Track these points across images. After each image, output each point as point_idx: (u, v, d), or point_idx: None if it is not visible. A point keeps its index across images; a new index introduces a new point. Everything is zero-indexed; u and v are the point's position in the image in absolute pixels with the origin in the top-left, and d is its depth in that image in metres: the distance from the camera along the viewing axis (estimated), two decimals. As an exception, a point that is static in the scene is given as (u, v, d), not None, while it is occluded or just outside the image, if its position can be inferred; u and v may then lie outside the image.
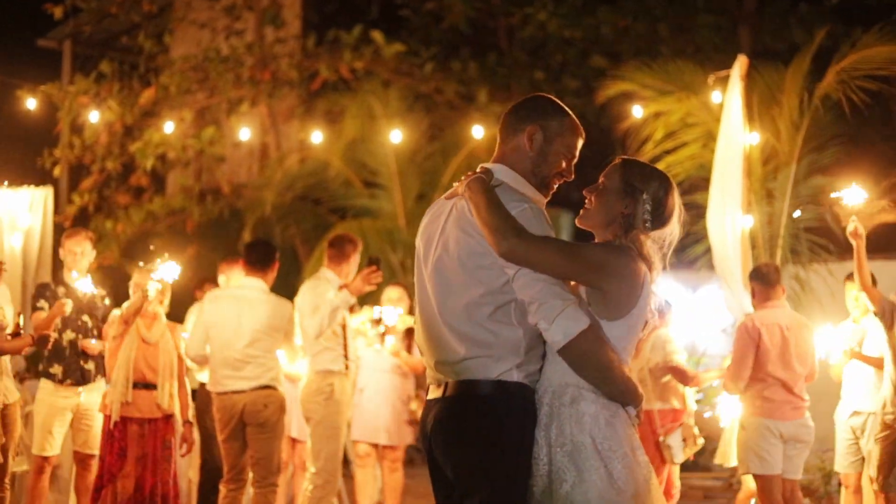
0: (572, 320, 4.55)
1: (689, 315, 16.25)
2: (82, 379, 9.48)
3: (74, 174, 19.93)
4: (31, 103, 16.52)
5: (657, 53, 15.61)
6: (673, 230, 4.91)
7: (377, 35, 18.90)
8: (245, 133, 17.54)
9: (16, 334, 8.47)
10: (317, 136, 16.67)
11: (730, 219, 10.68)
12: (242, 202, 18.94)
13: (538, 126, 4.93)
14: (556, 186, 4.92)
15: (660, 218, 4.81)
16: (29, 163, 18.63)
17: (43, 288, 9.68)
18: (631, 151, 15.53)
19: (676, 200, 4.87)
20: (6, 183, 11.77)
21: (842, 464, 10.11)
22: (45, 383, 9.58)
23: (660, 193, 4.84)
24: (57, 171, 18.93)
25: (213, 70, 18.65)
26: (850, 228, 8.95)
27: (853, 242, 9.00)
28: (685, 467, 12.35)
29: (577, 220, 4.94)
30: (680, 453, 9.78)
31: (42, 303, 9.48)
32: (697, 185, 12.85)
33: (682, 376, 9.83)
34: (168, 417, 9.12)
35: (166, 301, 9.28)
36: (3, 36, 20.82)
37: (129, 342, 9.04)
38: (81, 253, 9.63)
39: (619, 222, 4.87)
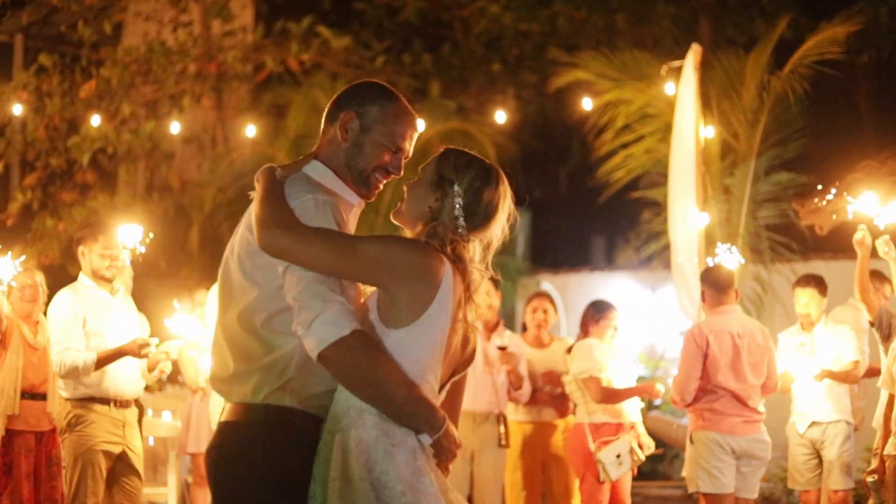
0: (330, 325, 3.93)
1: (647, 316, 15.96)
2: None
3: (18, 171, 19.56)
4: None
5: (615, 46, 15.30)
6: (495, 231, 4.30)
7: (323, 29, 18.48)
8: (190, 128, 17.20)
9: None
10: (259, 131, 16.32)
11: (684, 216, 10.32)
12: (187, 199, 18.55)
13: (354, 113, 4.36)
14: (381, 184, 4.38)
15: (475, 215, 4.20)
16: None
17: None
18: (587, 146, 15.23)
19: (501, 196, 4.24)
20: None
21: (800, 481, 9.76)
22: None
23: (475, 185, 4.20)
24: (-1, 168, 18.49)
25: (156, 63, 18.25)
26: (857, 237, 8.59)
27: (858, 251, 8.66)
28: (642, 476, 12.01)
29: (391, 216, 4.38)
30: (614, 470, 9.22)
31: None
32: (655, 180, 12.56)
33: (595, 392, 9.33)
34: (54, 430, 8.64)
35: (41, 301, 8.83)
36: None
37: (15, 348, 8.54)
38: None
39: (426, 218, 4.25)
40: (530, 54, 20.42)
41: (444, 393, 4.26)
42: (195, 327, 8.80)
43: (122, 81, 18.13)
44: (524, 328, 10.51)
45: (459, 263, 4.14)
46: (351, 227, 4.31)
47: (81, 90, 18.05)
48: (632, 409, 9.47)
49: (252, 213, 4.15)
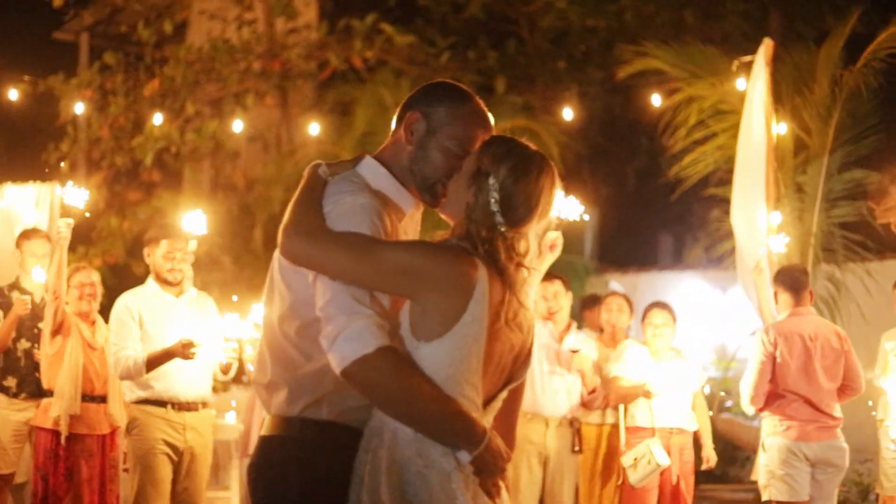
0: (353, 341, 3.65)
1: (717, 317, 15.77)
2: (38, 392, 8.91)
3: (83, 170, 19.65)
4: (25, 96, 16.10)
5: (684, 42, 15.12)
6: (541, 225, 3.98)
7: (387, 26, 18.42)
8: (255, 126, 17.19)
9: None
10: (324, 129, 16.25)
11: (753, 214, 10.12)
12: (252, 198, 18.56)
13: (420, 113, 4.06)
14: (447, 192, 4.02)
15: (513, 210, 3.83)
16: (38, 158, 18.38)
17: None
18: (656, 143, 15.05)
19: (544, 188, 3.89)
20: (9, 182, 11.43)
21: (886, 486, 9.54)
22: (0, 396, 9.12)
23: (512, 177, 3.84)
24: (63, 167, 18.57)
25: (219, 61, 18.28)
26: None
27: None
28: (713, 479, 11.83)
29: (438, 209, 4.07)
30: (631, 474, 9.13)
31: None
32: (725, 177, 12.35)
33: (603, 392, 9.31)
34: (114, 432, 8.57)
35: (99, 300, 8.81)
36: (19, 28, 20.56)
37: (74, 348, 8.50)
38: (42, 256, 9.12)
39: (463, 215, 3.90)
40: (597, 51, 20.26)
41: (498, 402, 3.96)
42: (249, 327, 8.69)
43: (186, 80, 18.18)
44: (601, 330, 10.39)
45: (497, 264, 3.80)
46: (408, 234, 4.09)
47: (145, 89, 18.12)
48: (668, 414, 9.34)
49: None
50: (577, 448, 9.46)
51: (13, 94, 12.93)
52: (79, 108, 17.09)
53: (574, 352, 9.34)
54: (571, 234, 9.19)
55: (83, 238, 17.24)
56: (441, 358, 3.71)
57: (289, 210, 3.88)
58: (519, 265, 3.87)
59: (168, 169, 19.34)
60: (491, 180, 3.84)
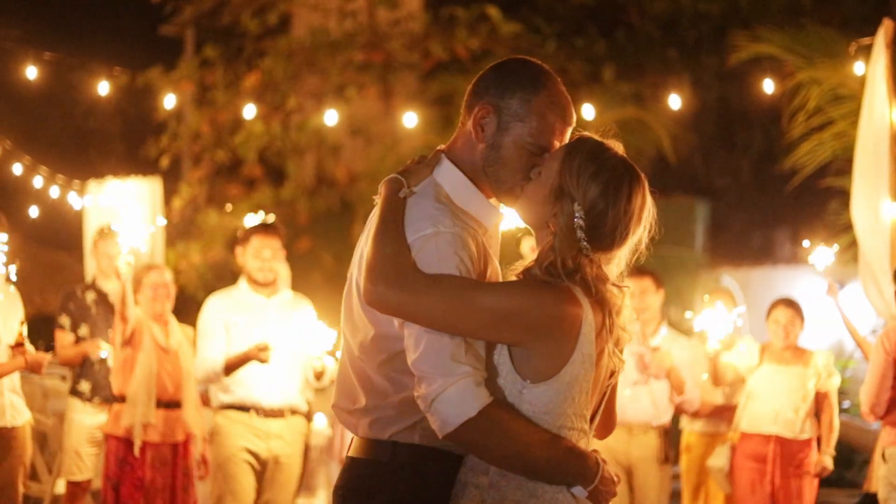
0: (454, 405, 3.44)
1: (835, 314, 15.41)
2: (112, 396, 8.83)
3: (187, 166, 19.79)
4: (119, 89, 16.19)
5: (799, 26, 14.80)
6: (624, 252, 3.69)
7: (493, 11, 18.22)
8: (357, 119, 17.14)
9: (18, 345, 7.38)
10: (428, 121, 16.14)
11: (875, 207, 9.79)
12: (354, 193, 18.52)
13: (490, 106, 3.70)
14: None
15: (600, 238, 3.57)
16: (137, 153, 18.54)
17: (67, 298, 9.17)
18: (771, 132, 14.74)
19: (635, 211, 3.60)
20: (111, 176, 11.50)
21: None
22: (73, 402, 9.07)
23: (599, 205, 3.54)
24: (164, 162, 18.70)
25: (320, 53, 18.26)
26: None
27: None
28: (828, 483, 11.51)
29: (507, 202, 3.79)
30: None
31: (64, 318, 8.99)
32: (844, 167, 12.03)
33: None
34: (188, 440, 8.43)
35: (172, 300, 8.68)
36: (120, 23, 20.77)
37: (146, 352, 8.36)
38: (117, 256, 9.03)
39: (547, 232, 3.62)
40: (709, 37, 19.96)
41: (599, 414, 3.83)
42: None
43: (287, 73, 18.19)
44: None
45: (595, 292, 3.59)
46: (493, 248, 3.80)
47: (245, 82, 18.16)
48: (768, 420, 9.04)
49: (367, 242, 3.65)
50: (665, 458, 9.06)
51: (111, 89, 12.97)
52: (179, 102, 17.17)
53: (655, 350, 8.96)
54: (681, 226, 8.99)
55: (183, 233, 17.34)
56: (550, 398, 3.57)
57: (370, 244, 3.59)
58: (614, 286, 3.68)
59: (269, 164, 19.38)
60: (576, 206, 3.57)
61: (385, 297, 3.50)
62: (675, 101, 13.45)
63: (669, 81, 19.94)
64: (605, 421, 3.94)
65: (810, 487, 9.12)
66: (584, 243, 3.56)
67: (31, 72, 11.60)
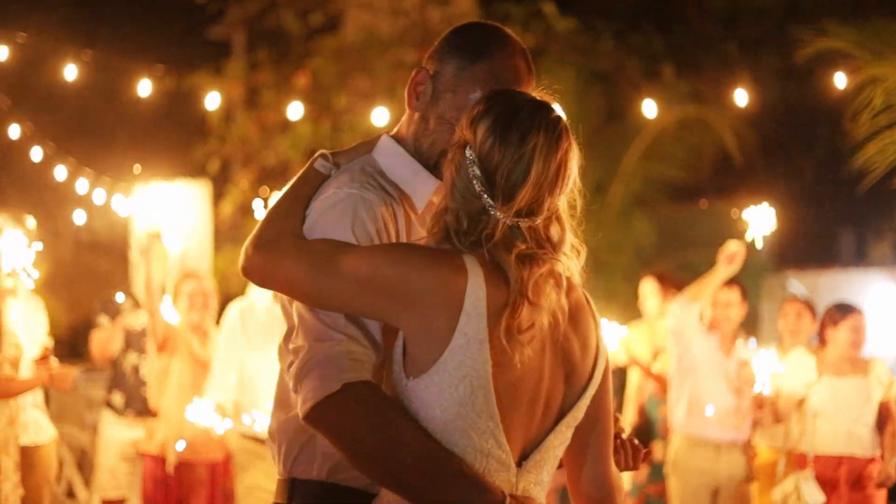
0: (317, 378, 2.86)
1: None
2: (146, 409, 8.61)
3: (233, 168, 19.75)
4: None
5: (867, 19, 14.57)
6: (553, 199, 3.04)
7: (548, 8, 18.01)
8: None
9: (43, 358, 7.16)
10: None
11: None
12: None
13: (427, 72, 3.29)
14: None
15: (494, 184, 2.98)
16: (182, 156, 18.50)
17: (106, 302, 9.04)
18: (836, 132, 14.47)
19: (533, 150, 2.99)
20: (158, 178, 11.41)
21: None
22: (106, 415, 8.89)
23: (487, 144, 3.00)
24: (214, 166, 18.65)
25: (370, 53, 18.15)
26: None
27: None
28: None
29: None
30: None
31: (102, 318, 8.82)
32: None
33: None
34: (228, 459, 8.11)
35: (212, 307, 8.46)
36: (172, 26, 20.79)
37: (181, 365, 8.12)
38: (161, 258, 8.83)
39: (443, 201, 3.08)
40: (770, 33, 19.68)
41: (548, 452, 3.08)
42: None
43: (336, 73, 18.10)
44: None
45: (496, 260, 2.97)
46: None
47: (293, 83, 18.07)
48: (835, 439, 8.69)
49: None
50: (750, 476, 8.79)
51: (158, 91, 12.90)
52: (227, 104, 17.11)
53: (742, 364, 8.75)
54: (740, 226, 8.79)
55: (231, 238, 17.24)
56: (433, 397, 2.89)
57: (267, 212, 3.23)
58: (530, 257, 2.98)
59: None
60: (468, 151, 3.03)
61: (250, 261, 3.11)
62: (739, 98, 13.20)
63: (729, 80, 19.75)
64: (593, 490, 3.23)
65: (880, 499, 8.81)
66: (486, 198, 2.99)
67: (73, 72, 11.51)
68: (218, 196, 18.91)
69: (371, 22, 19.13)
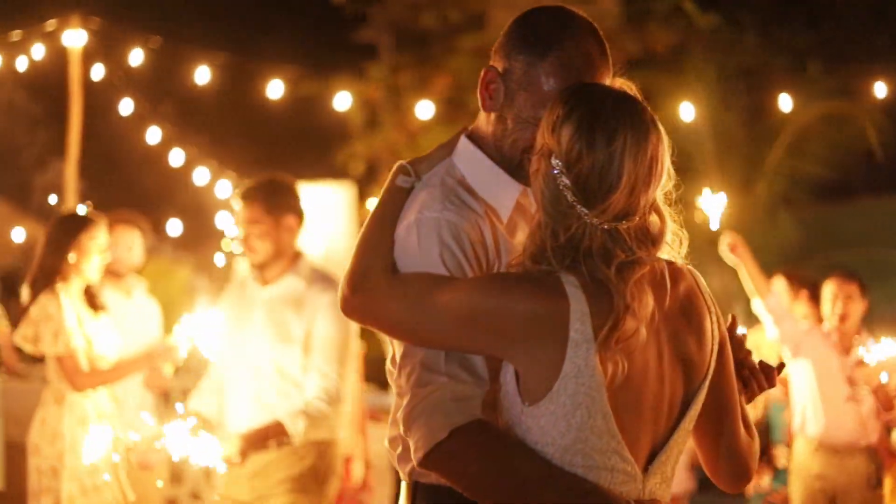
0: (424, 426, 2.81)
1: None
2: None
3: (378, 170, 19.90)
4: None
5: None
6: (647, 195, 2.86)
7: (688, 4, 17.85)
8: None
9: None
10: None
11: None
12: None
13: (496, 69, 3.06)
14: None
15: (587, 189, 2.82)
16: (331, 160, 18.69)
17: None
18: None
19: (622, 150, 2.82)
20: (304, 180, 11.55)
21: None
22: None
23: (574, 149, 2.82)
24: (358, 168, 18.81)
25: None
26: None
27: None
28: None
29: None
30: None
31: None
32: None
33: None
34: (346, 463, 8.16)
35: None
36: (318, 30, 21.01)
37: None
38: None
39: (536, 216, 2.91)
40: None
41: (672, 449, 2.98)
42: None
43: (476, 73, 18.11)
44: None
45: (596, 276, 2.81)
46: (517, 236, 3.12)
47: (433, 85, 18.13)
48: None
49: None
50: (875, 482, 8.48)
51: (300, 93, 13.04)
52: (371, 107, 17.27)
53: (860, 364, 8.42)
54: (893, 227, 8.58)
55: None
56: (550, 424, 2.81)
57: (358, 241, 3.09)
58: (629, 265, 2.84)
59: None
60: (553, 160, 2.85)
61: (348, 302, 3.02)
62: (878, 91, 12.90)
63: (879, 74, 19.34)
64: (729, 464, 3.13)
65: None
66: (580, 207, 2.82)
67: (207, 75, 11.69)
68: (362, 198, 19.08)
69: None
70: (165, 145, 12.99)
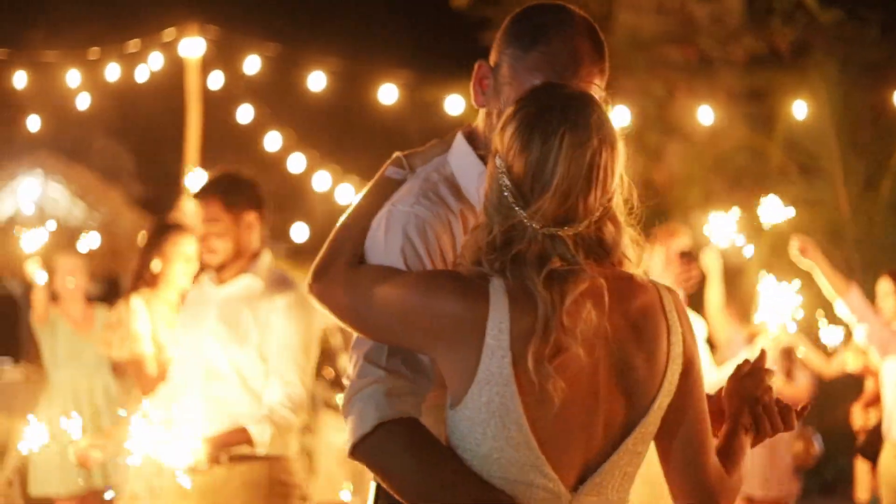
0: (356, 418, 2.81)
1: None
2: None
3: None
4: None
5: None
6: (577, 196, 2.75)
7: (810, 0, 17.60)
8: (673, 119, 16.86)
9: None
10: (748, 119, 15.73)
11: None
12: (672, 198, 18.12)
13: (488, 66, 3.04)
14: None
15: (522, 189, 2.74)
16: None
17: None
18: None
19: (558, 150, 2.72)
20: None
21: None
22: (325, 415, 8.93)
23: (513, 148, 2.76)
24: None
25: (635, 53, 18.06)
26: None
27: None
28: None
29: None
30: None
31: None
32: None
33: None
34: None
35: None
36: (437, 34, 21.06)
37: None
38: None
39: (478, 218, 2.86)
40: None
41: (608, 475, 2.85)
42: None
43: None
44: None
45: (525, 281, 2.73)
46: None
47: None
48: None
49: None
50: None
51: (412, 97, 13.10)
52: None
53: None
54: None
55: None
56: (468, 430, 2.77)
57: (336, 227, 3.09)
58: (563, 275, 2.73)
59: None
60: (498, 159, 2.79)
61: (311, 288, 3.00)
62: None
63: None
64: (693, 497, 2.96)
65: None
66: (518, 209, 2.74)
67: (324, 81, 11.79)
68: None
69: (638, 22, 19.03)
70: (285, 151, 13.10)
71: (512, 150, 2.75)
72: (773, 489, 8.96)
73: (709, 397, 3.10)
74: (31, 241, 7.82)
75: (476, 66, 3.05)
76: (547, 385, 2.70)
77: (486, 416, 2.73)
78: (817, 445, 9.21)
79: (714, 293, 8.67)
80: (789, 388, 8.78)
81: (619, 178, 2.83)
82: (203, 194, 6.07)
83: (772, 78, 17.50)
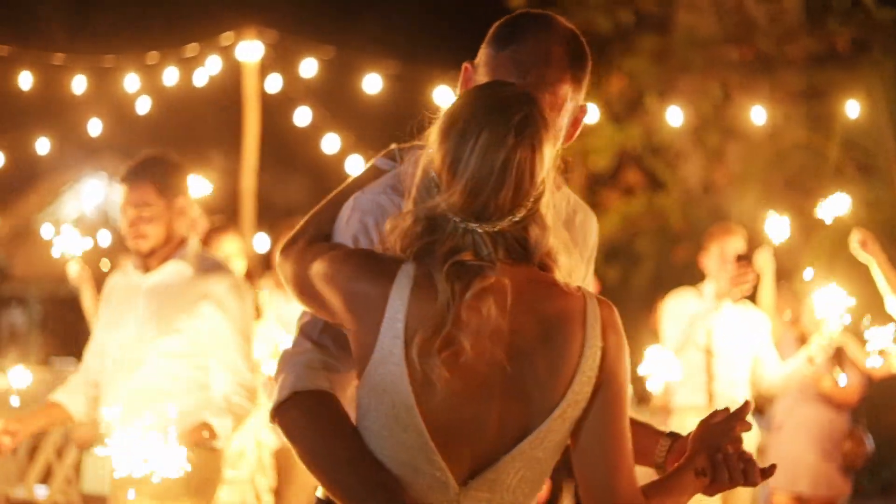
0: (279, 384, 2.94)
1: None
2: None
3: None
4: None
5: None
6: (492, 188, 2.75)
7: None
8: (735, 119, 16.84)
9: None
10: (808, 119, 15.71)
11: None
12: (732, 198, 18.09)
13: (472, 66, 3.14)
14: None
15: (442, 189, 2.79)
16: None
17: None
18: None
19: (473, 144, 2.75)
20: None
21: None
22: None
23: (435, 144, 2.82)
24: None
25: (692, 53, 18.04)
26: None
27: None
28: None
29: None
30: None
31: None
32: None
33: None
34: None
35: None
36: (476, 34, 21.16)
37: None
38: None
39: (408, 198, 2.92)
40: None
41: (503, 473, 2.82)
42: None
43: (651, 75, 18.04)
44: None
45: (432, 269, 2.76)
46: None
47: (609, 86, 18.11)
48: None
49: None
50: None
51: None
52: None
53: None
54: None
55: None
56: (366, 406, 2.83)
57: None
58: (468, 269, 2.76)
59: (648, 170, 19.27)
60: (428, 149, 2.86)
61: (278, 263, 3.12)
62: None
63: None
64: (600, 497, 2.88)
65: None
66: (438, 198, 2.79)
67: (379, 84, 11.89)
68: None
69: (696, 22, 19.03)
70: (343, 154, 13.19)
71: (434, 142, 2.81)
72: (821, 488, 8.96)
73: (676, 436, 3.15)
74: (76, 243, 7.80)
75: (463, 68, 3.13)
76: (431, 374, 2.73)
77: (378, 394, 2.78)
78: (868, 445, 9.19)
79: (766, 294, 8.71)
80: (839, 390, 8.79)
81: (542, 181, 2.83)
82: (134, 178, 5.77)
83: (829, 77, 17.47)
